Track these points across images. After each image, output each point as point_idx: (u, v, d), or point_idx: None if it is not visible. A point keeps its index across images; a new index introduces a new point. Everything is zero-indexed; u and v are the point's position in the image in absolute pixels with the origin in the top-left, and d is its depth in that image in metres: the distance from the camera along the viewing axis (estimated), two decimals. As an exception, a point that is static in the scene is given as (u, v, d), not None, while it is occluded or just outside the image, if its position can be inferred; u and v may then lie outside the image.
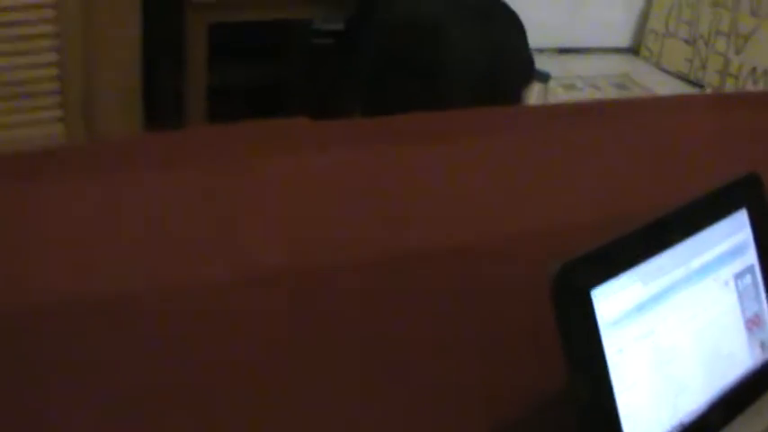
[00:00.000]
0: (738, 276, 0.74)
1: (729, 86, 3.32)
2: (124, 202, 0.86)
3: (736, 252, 0.74)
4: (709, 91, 3.39)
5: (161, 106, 2.38)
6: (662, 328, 0.67)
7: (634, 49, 3.77)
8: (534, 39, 2.04)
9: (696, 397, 0.68)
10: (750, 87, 3.25)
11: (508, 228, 0.99)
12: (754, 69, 3.26)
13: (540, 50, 2.16)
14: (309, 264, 0.87)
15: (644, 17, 3.74)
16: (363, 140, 1.17)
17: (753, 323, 0.74)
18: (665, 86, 3.44)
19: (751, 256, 0.75)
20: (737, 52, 3.32)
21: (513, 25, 2.02)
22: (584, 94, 3.20)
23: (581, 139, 1.25)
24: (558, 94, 3.01)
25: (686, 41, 3.52)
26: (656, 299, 0.67)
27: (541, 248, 0.80)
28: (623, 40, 3.79)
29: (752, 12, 3.27)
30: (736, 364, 0.72)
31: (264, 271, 0.84)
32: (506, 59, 1.96)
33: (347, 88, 2.05)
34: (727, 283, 0.73)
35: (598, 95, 3.23)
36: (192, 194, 0.91)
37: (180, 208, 0.89)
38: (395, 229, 0.93)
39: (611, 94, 3.29)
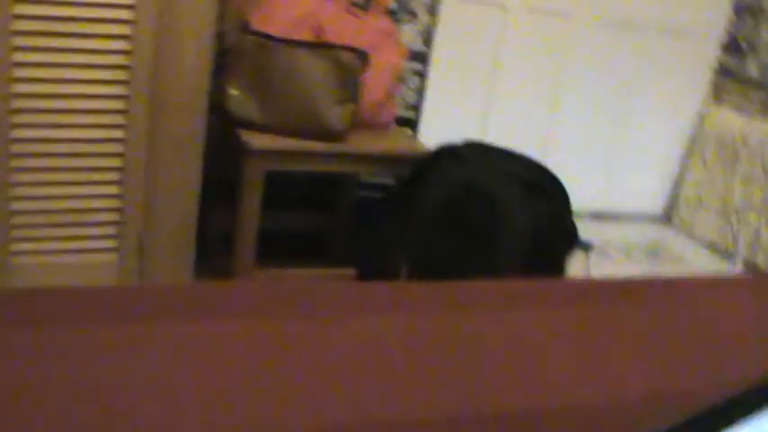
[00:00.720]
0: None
1: (760, 259, 3.38)
2: (215, 348, 0.91)
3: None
4: (740, 262, 3.44)
5: (211, 245, 2.47)
6: None
7: (666, 217, 3.86)
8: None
9: None
10: (780, 262, 3.32)
11: (557, 399, 1.04)
12: (784, 244, 3.35)
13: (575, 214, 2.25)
14: (378, 421, 0.92)
15: (677, 186, 3.84)
16: (427, 305, 1.23)
17: None
18: (697, 256, 3.51)
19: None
20: (768, 226, 3.41)
21: (562, 197, 2.11)
22: (617, 262, 3.26)
23: (629, 316, 1.30)
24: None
25: (718, 213, 3.60)
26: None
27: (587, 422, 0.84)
28: (656, 207, 3.89)
29: (783, 188, 3.37)
30: None
31: (328, 427, 0.88)
32: (554, 230, 2.05)
33: (396, 244, 2.12)
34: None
35: (630, 264, 3.29)
36: (266, 346, 0.97)
37: (259, 358, 0.94)
38: (464, 393, 0.98)
39: (643, 262, 3.35)
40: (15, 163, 2.06)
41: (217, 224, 2.46)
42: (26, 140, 2.05)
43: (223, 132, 2.41)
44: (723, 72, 3.76)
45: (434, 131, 3.02)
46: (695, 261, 3.47)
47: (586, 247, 2.20)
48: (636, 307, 1.38)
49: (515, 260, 1.94)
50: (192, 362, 0.91)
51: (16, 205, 2.10)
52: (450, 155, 2.19)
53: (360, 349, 1.05)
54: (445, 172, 2.11)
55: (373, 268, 2.15)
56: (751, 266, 3.39)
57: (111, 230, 2.23)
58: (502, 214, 1.96)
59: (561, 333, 1.21)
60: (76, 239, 2.21)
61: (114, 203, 2.20)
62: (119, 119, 2.11)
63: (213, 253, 2.44)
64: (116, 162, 2.16)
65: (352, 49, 2.37)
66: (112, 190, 2.19)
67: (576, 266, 2.20)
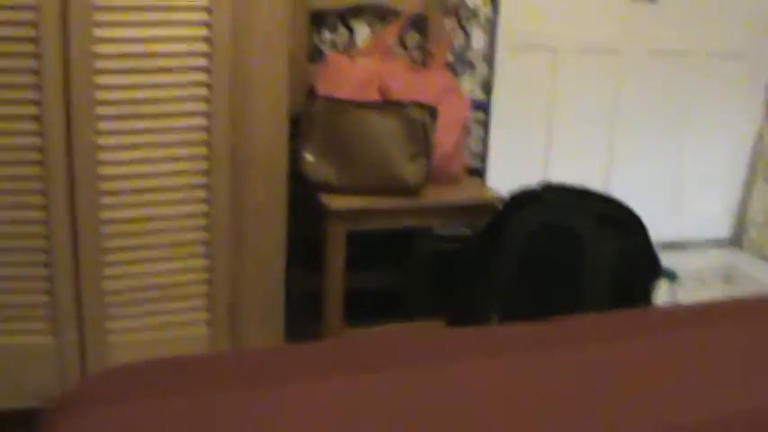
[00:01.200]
0: None
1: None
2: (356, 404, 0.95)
3: None
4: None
5: (296, 307, 2.51)
6: None
7: (735, 240, 3.85)
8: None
9: None
10: None
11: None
12: None
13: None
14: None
15: (743, 208, 3.83)
16: (538, 344, 1.26)
17: None
18: (772, 277, 3.50)
19: None
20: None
21: (640, 228, 2.14)
22: (692, 290, 3.25)
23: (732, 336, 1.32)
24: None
25: (788, 231, 3.59)
26: None
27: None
28: (724, 231, 3.88)
29: None
30: None
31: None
32: (637, 262, 2.07)
33: (483, 292, 2.16)
34: None
35: (706, 290, 3.28)
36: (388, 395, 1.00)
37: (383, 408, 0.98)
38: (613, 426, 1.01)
39: (718, 287, 3.34)
40: (107, 243, 2.13)
41: (300, 285, 2.50)
42: (115, 221, 2.12)
43: (302, 196, 2.46)
44: (777, 90, 3.76)
45: (501, 178, 3.06)
46: (771, 282, 3.46)
47: (672, 277, 2.21)
48: (737, 327, 1.40)
49: (602, 295, 1.97)
50: (336, 415, 0.95)
51: (109, 284, 2.17)
52: (528, 198, 2.23)
53: (490, 389, 1.08)
54: (525, 216, 2.15)
55: (463, 318, 2.17)
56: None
57: (201, 302, 2.28)
58: (585, 251, 1.99)
59: (670, 358, 1.24)
60: (168, 314, 2.26)
61: (203, 276, 2.26)
62: (202, 193, 2.17)
63: (298, 315, 2.48)
64: (202, 235, 2.22)
65: (420, 105, 2.43)
66: (200, 263, 2.24)
67: (663, 297, 2.21)
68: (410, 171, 2.42)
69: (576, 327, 1.40)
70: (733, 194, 3.85)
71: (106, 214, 2.11)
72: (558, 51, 3.34)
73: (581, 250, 2.00)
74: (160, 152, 2.13)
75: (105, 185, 2.09)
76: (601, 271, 1.98)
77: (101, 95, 2.03)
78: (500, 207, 2.35)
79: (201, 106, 2.12)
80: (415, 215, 2.49)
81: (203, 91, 2.10)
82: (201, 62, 2.08)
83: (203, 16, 2.06)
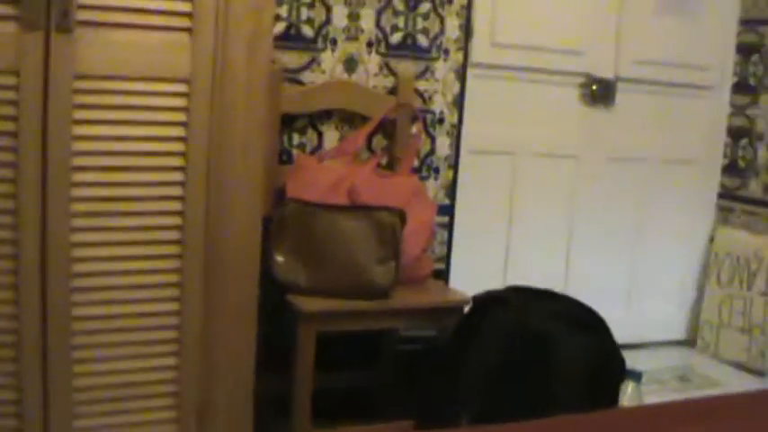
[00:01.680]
0: None
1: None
2: None
3: None
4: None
5: (265, 408, 2.51)
6: None
7: (691, 341, 3.93)
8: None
9: None
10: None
11: None
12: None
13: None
14: None
15: (697, 309, 3.93)
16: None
17: None
18: (727, 376, 3.56)
19: None
20: (795, 339, 3.49)
21: (606, 331, 2.20)
22: (650, 391, 3.30)
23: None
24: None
25: (741, 331, 3.67)
26: None
27: None
28: (679, 332, 3.96)
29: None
30: None
31: None
32: (605, 363, 2.12)
33: (452, 393, 2.19)
34: None
35: (664, 391, 3.34)
36: None
37: None
38: None
39: (675, 388, 3.40)
40: (77, 340, 2.12)
41: (269, 387, 2.51)
42: (85, 318, 2.12)
43: (272, 297, 2.48)
44: (727, 194, 3.90)
45: (463, 280, 3.12)
46: (726, 381, 3.52)
47: (637, 377, 2.27)
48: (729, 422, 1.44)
49: (574, 397, 2.01)
50: None
51: (77, 382, 2.15)
52: (495, 301, 2.28)
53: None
54: (493, 318, 2.19)
55: (433, 419, 2.20)
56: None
57: (169, 402, 2.26)
58: (555, 353, 2.03)
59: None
60: (136, 413, 2.24)
61: (172, 375, 2.25)
62: (174, 292, 2.18)
63: (267, 415, 2.48)
64: (172, 334, 2.22)
65: (389, 209, 2.48)
66: (170, 361, 2.24)
67: (629, 396, 2.25)
68: (379, 274, 2.46)
69: (551, 429, 1.44)
70: (687, 295, 3.95)
71: (78, 310, 2.11)
72: (518, 156, 3.44)
73: (551, 353, 2.04)
74: (134, 249, 2.14)
75: (78, 282, 2.09)
76: (572, 373, 2.03)
77: (76, 192, 2.04)
78: (467, 310, 2.40)
79: (176, 205, 2.14)
80: (384, 318, 2.53)
81: (178, 190, 2.13)
82: (177, 162, 2.12)
83: (181, 117, 2.10)
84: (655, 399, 3.14)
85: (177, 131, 2.11)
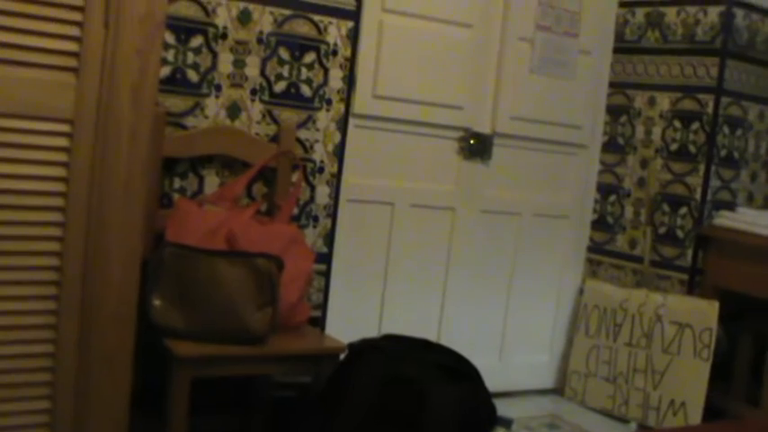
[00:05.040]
0: None
1: (651, 420, 3.59)
2: None
3: None
4: (634, 425, 3.64)
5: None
6: None
7: (559, 390, 4.05)
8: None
9: None
10: (670, 419, 3.52)
11: None
12: (672, 402, 3.55)
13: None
14: None
15: (565, 358, 4.05)
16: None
17: None
18: (593, 424, 3.69)
19: None
20: (655, 387, 3.63)
21: (478, 379, 2.26)
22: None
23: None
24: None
25: (607, 380, 3.81)
26: None
27: None
28: (548, 380, 4.08)
29: (663, 350, 3.62)
30: None
31: None
32: (477, 411, 2.18)
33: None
34: None
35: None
36: None
37: None
38: None
39: (545, 434, 3.51)
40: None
41: (146, 429, 2.48)
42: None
43: (148, 341, 2.46)
44: (596, 248, 4.07)
45: (339, 328, 3.17)
46: (592, 428, 3.64)
47: (508, 424, 2.33)
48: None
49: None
50: None
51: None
52: (370, 349, 2.32)
53: None
54: (367, 367, 2.23)
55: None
56: (645, 429, 3.59)
57: (39, 449, 2.22)
58: (428, 402, 2.08)
59: None
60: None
61: (44, 419, 2.21)
62: (50, 334, 2.15)
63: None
64: (45, 376, 2.18)
65: (267, 256, 2.50)
66: (43, 405, 2.20)
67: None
68: (257, 320, 2.47)
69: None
70: (556, 345, 4.08)
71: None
72: (396, 206, 3.51)
73: (424, 402, 2.09)
74: (8, 290, 2.10)
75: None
76: (444, 421, 2.08)
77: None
78: (342, 357, 2.43)
79: (55, 246, 2.11)
80: (260, 363, 2.54)
81: (58, 231, 2.11)
82: (57, 202, 2.09)
83: (61, 156, 2.08)
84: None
85: (58, 171, 2.09)
